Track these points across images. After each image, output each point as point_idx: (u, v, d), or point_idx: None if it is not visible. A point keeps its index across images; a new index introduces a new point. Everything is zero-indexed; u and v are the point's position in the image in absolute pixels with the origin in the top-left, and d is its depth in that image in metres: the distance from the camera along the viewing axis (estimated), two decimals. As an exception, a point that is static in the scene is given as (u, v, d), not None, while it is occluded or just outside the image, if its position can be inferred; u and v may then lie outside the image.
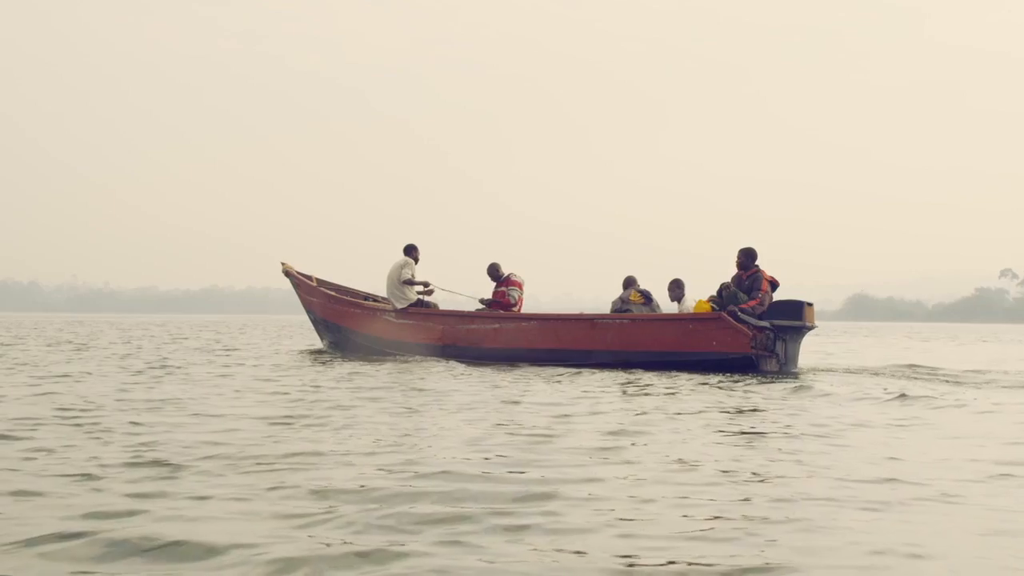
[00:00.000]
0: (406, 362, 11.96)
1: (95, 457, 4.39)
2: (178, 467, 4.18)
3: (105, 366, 10.99)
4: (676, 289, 12.48)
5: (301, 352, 14.42)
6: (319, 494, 3.65)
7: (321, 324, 15.06)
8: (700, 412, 6.70)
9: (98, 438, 4.99)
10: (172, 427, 5.47)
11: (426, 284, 13.67)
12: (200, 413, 6.20)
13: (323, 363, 11.82)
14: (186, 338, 21.82)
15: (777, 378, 10.28)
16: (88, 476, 3.96)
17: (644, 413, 6.54)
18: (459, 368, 11.08)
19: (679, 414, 6.51)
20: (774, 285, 11.69)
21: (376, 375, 9.77)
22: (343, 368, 10.79)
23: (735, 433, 5.64)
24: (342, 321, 14.43)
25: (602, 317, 12.27)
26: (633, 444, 5.09)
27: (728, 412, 6.76)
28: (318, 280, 15.16)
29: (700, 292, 12.08)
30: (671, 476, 4.18)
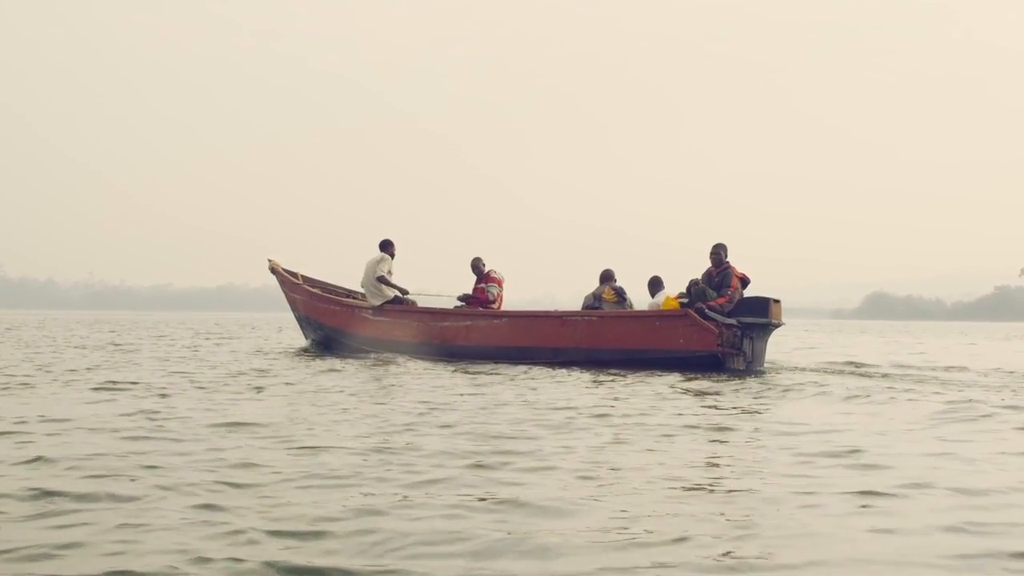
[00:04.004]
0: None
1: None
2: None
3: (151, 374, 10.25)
4: (654, 286, 12.39)
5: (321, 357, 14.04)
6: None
7: (304, 321, 15.22)
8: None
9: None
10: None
11: (404, 292, 13.70)
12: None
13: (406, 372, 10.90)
14: (228, 338, 21.62)
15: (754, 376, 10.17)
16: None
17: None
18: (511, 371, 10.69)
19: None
20: (745, 282, 11.53)
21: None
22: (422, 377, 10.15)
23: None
24: (323, 318, 14.56)
25: (571, 314, 12.21)
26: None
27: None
28: (304, 277, 15.28)
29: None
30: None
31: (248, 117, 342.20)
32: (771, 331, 11.69)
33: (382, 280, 13.57)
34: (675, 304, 11.46)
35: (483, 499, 3.73)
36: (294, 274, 15.22)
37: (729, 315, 11.17)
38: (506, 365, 11.46)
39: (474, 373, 10.46)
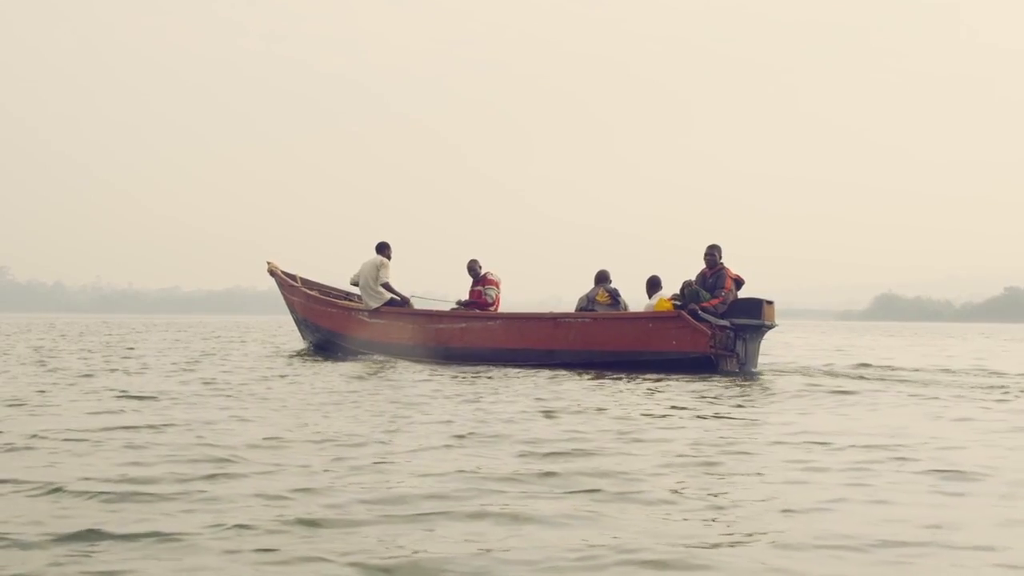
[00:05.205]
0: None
1: None
2: None
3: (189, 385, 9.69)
4: (652, 287, 12.20)
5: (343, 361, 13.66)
6: None
7: (302, 323, 15.27)
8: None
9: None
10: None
11: (405, 300, 13.53)
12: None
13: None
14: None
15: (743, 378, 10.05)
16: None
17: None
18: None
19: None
20: (739, 283, 11.43)
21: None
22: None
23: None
24: (319, 321, 14.59)
25: (565, 316, 12.14)
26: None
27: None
28: (302, 280, 15.29)
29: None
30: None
31: (252, 120, 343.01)
32: (764, 332, 11.63)
33: (387, 287, 13.40)
34: (668, 306, 11.37)
35: (602, 544, 3.13)
36: (292, 276, 15.22)
37: (722, 316, 11.10)
38: (527, 369, 11.16)
39: (514, 376, 10.08)
